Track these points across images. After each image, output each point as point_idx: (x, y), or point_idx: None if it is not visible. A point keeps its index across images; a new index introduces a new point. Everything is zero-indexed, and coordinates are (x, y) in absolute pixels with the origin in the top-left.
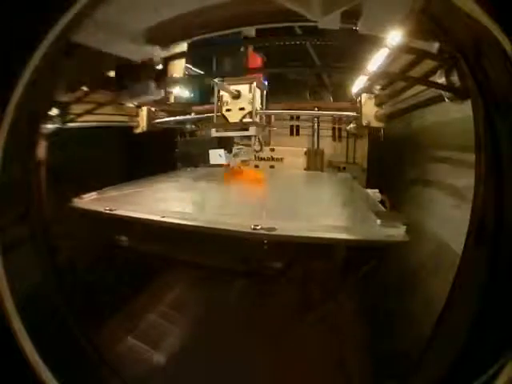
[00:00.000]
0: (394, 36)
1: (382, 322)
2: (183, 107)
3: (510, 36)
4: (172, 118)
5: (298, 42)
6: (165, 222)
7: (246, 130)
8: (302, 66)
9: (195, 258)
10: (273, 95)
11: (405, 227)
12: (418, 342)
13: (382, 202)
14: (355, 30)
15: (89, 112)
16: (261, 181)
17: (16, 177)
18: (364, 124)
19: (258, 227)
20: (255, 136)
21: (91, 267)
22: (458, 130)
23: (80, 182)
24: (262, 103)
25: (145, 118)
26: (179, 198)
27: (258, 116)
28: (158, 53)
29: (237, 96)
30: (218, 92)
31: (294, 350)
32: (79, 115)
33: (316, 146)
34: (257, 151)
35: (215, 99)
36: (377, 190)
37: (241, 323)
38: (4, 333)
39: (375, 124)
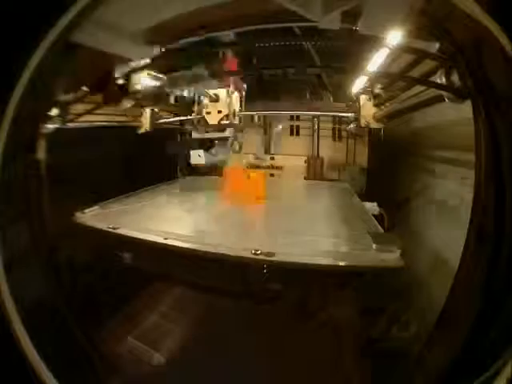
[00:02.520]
0: (394, 36)
1: (381, 328)
2: (183, 107)
3: (510, 36)
4: (175, 119)
5: (298, 43)
6: (168, 244)
7: (223, 131)
8: (302, 66)
9: (194, 277)
10: (272, 95)
11: (399, 251)
12: (418, 341)
13: (380, 215)
14: (355, 29)
15: (89, 112)
16: (261, 197)
17: (16, 175)
18: (363, 125)
19: (258, 252)
20: (231, 137)
21: (90, 271)
22: (459, 130)
23: (79, 181)
24: (241, 105)
25: (148, 119)
26: (180, 216)
27: (237, 118)
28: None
29: (215, 100)
30: (199, 96)
31: (292, 364)
32: (80, 115)
33: (316, 154)
34: (234, 152)
35: (195, 103)
36: (375, 204)
37: (238, 342)
38: (4, 333)
39: (374, 125)
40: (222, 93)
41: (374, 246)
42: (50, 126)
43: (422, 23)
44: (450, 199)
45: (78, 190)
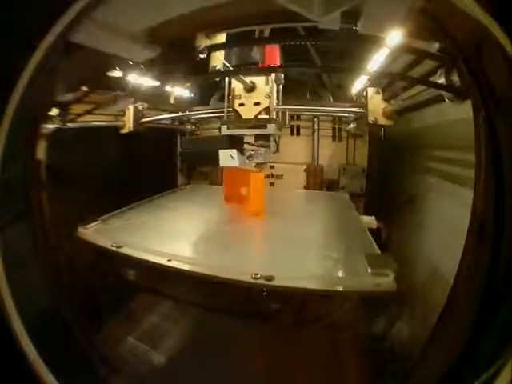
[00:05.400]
0: (394, 36)
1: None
2: (183, 107)
3: (510, 36)
4: (160, 117)
5: (298, 43)
6: (171, 266)
7: (263, 127)
8: (302, 66)
9: (195, 297)
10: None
11: (393, 275)
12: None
13: (378, 229)
14: (355, 29)
15: (88, 112)
16: (261, 212)
17: (16, 175)
18: (370, 121)
19: (257, 276)
20: (273, 135)
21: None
22: (459, 130)
23: (78, 183)
24: (278, 99)
25: (131, 118)
26: (182, 233)
27: (275, 113)
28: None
29: (251, 88)
30: (230, 84)
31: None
32: (77, 115)
33: (316, 162)
34: (273, 153)
35: (226, 92)
36: (373, 217)
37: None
38: (4, 333)
39: (383, 121)
40: (259, 81)
41: (369, 270)
42: (50, 126)
43: (422, 23)
44: (450, 199)
45: (70, 194)
